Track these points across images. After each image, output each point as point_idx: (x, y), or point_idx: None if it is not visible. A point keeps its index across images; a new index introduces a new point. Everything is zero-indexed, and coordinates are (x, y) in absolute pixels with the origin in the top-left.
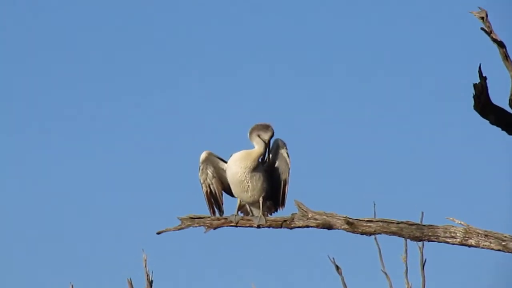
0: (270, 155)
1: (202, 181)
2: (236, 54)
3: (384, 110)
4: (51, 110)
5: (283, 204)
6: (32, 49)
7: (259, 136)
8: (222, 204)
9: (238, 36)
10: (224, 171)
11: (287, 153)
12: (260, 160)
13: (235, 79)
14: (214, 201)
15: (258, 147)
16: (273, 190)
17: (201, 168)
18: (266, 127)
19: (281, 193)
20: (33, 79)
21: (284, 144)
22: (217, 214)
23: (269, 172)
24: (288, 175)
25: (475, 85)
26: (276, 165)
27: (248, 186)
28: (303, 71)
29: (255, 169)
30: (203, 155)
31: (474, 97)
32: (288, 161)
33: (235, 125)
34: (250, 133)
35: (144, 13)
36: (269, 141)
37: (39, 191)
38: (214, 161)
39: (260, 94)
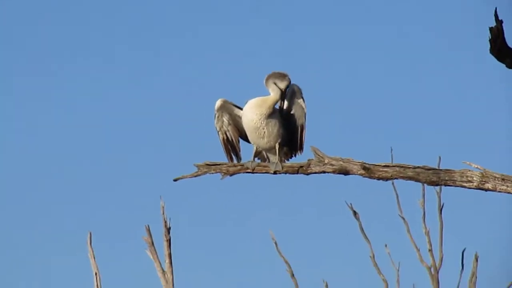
0: (286, 102)
1: (218, 129)
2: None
3: (402, 54)
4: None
5: (300, 149)
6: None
7: (275, 83)
8: (240, 150)
9: None
10: (240, 118)
11: (303, 99)
12: (276, 107)
13: (250, 27)
14: (231, 148)
15: (273, 94)
16: (289, 135)
17: (216, 115)
18: (283, 76)
19: (298, 138)
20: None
21: (300, 90)
22: (235, 161)
23: (285, 118)
24: (305, 120)
25: (491, 29)
26: (292, 111)
27: (264, 132)
28: (319, 18)
29: (270, 115)
30: (218, 103)
31: (490, 40)
32: (304, 106)
33: (250, 72)
34: (267, 80)
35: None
36: (285, 89)
37: (60, 135)
38: (230, 109)
39: (276, 41)
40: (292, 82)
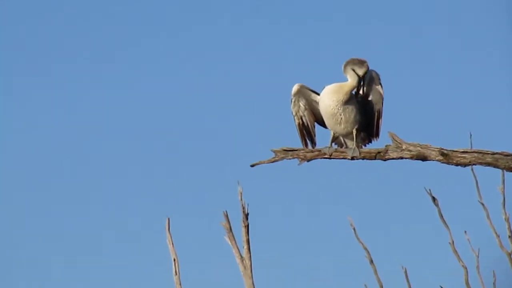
0: (364, 88)
1: (294, 113)
2: None
3: (478, 43)
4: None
5: (377, 135)
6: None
7: (353, 70)
8: (315, 136)
9: None
10: (317, 103)
11: (381, 84)
12: (353, 93)
13: (331, 16)
14: (306, 133)
15: (351, 80)
16: (367, 121)
17: (293, 100)
18: (361, 62)
19: (375, 124)
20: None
21: (378, 76)
22: (310, 146)
23: (362, 103)
24: (382, 106)
25: None
26: (369, 97)
27: (341, 118)
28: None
29: (347, 101)
30: (295, 88)
31: None
32: (382, 92)
33: (327, 58)
34: (345, 66)
35: None
36: (363, 76)
37: (134, 128)
38: (306, 94)
39: (354, 28)
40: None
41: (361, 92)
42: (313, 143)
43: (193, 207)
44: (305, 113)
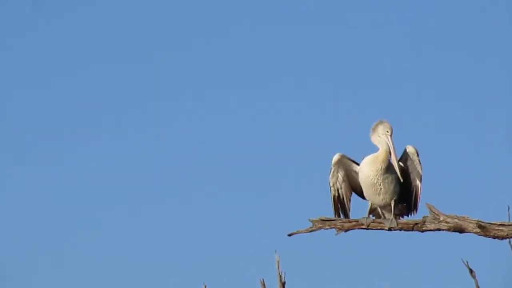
0: (401, 163)
1: (331, 184)
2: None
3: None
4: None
5: (415, 209)
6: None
7: (379, 136)
8: (349, 210)
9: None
10: (356, 173)
11: (419, 161)
12: (391, 161)
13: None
14: (340, 206)
15: (381, 147)
16: (404, 194)
17: (332, 170)
18: (379, 123)
19: (413, 199)
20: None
21: (416, 151)
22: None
23: (401, 175)
24: (421, 182)
25: None
26: (408, 171)
27: (381, 189)
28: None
29: (387, 172)
30: (335, 157)
31: None
32: (420, 168)
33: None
34: (371, 137)
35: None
36: (390, 134)
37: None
38: (346, 163)
39: (394, 98)
40: (409, 145)
41: (397, 162)
42: (346, 217)
43: (231, 274)
44: (343, 185)
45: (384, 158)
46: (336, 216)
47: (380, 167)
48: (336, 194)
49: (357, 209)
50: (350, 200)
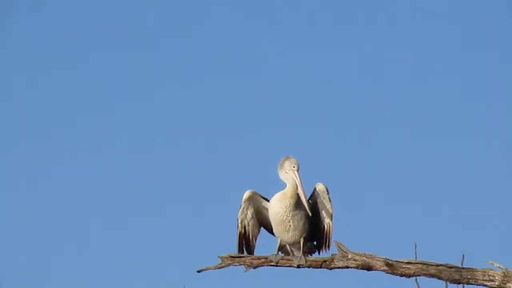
0: (311, 200)
1: (239, 221)
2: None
3: (424, 146)
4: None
5: (328, 247)
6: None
7: (286, 172)
8: (254, 248)
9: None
10: (267, 210)
11: (329, 198)
12: (299, 194)
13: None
14: (245, 243)
15: (288, 184)
16: (315, 232)
17: (242, 207)
18: (285, 159)
19: (325, 237)
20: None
21: (326, 188)
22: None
23: (312, 213)
24: (331, 220)
25: None
26: (318, 209)
27: (290, 225)
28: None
29: (296, 208)
30: (246, 194)
31: None
32: (330, 206)
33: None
34: (279, 173)
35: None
36: (297, 169)
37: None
38: (257, 200)
39: (302, 136)
40: (320, 183)
41: (304, 197)
42: (250, 254)
43: None
44: (251, 222)
45: (292, 194)
46: (240, 252)
47: (289, 203)
48: (243, 231)
49: (267, 246)
50: (256, 239)
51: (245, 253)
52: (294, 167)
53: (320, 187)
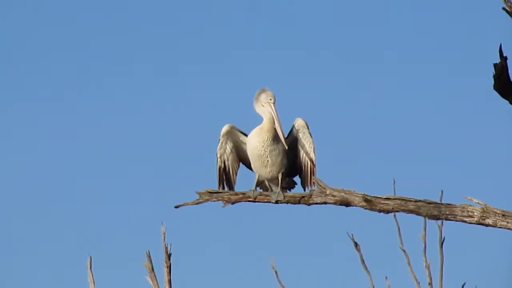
0: (289, 137)
1: (219, 155)
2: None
3: (405, 88)
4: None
5: (311, 183)
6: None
7: (262, 105)
8: (234, 182)
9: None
10: (245, 144)
11: (309, 133)
12: (276, 127)
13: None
14: (225, 178)
15: (265, 117)
16: (295, 168)
17: (221, 141)
18: (261, 92)
19: (309, 172)
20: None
21: (305, 123)
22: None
23: (291, 149)
24: (314, 155)
25: (495, 65)
26: (298, 145)
27: (268, 161)
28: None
29: (273, 142)
30: (224, 128)
31: (494, 77)
32: (311, 142)
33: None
34: (255, 106)
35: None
36: (273, 102)
37: (56, 160)
38: (236, 135)
39: (282, 71)
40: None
41: (281, 130)
42: (231, 190)
43: (116, 246)
44: (230, 156)
45: (269, 128)
46: (220, 188)
47: (266, 137)
48: (222, 166)
49: (246, 182)
50: (236, 173)
51: (226, 189)
52: (270, 99)
53: (299, 122)
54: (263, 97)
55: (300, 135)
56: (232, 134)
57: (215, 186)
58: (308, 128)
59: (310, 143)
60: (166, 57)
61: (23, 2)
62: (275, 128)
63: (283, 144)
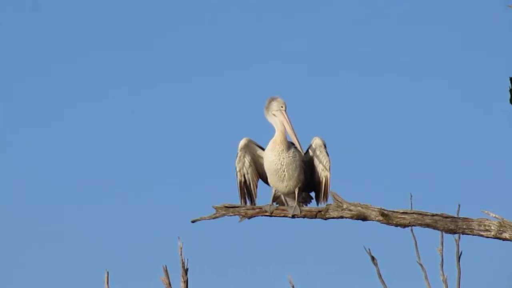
0: (309, 153)
1: (238, 169)
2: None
3: (421, 103)
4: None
5: (326, 199)
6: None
7: (273, 114)
8: (255, 196)
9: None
10: (262, 158)
11: (326, 152)
12: (289, 135)
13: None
14: (246, 191)
15: (277, 129)
16: (311, 184)
17: (238, 155)
18: (271, 101)
19: (323, 189)
20: (34, 77)
21: (323, 143)
22: (248, 204)
23: (307, 165)
24: (329, 173)
25: (511, 79)
26: (315, 162)
27: (285, 175)
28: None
29: (290, 156)
30: (242, 142)
31: (510, 90)
32: (327, 160)
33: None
34: (266, 116)
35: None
36: (285, 109)
37: (74, 173)
38: (253, 149)
39: (299, 89)
40: (317, 137)
41: (295, 136)
42: (253, 203)
43: (133, 261)
44: (249, 170)
45: (282, 140)
46: (242, 201)
47: (281, 149)
48: (243, 180)
49: (263, 196)
50: (256, 186)
51: (248, 202)
52: (282, 107)
53: (317, 141)
54: (274, 105)
55: (317, 153)
56: (250, 147)
57: (231, 200)
58: (325, 147)
59: (326, 161)
60: (182, 71)
61: (23, 2)
62: (287, 140)
63: (300, 158)
